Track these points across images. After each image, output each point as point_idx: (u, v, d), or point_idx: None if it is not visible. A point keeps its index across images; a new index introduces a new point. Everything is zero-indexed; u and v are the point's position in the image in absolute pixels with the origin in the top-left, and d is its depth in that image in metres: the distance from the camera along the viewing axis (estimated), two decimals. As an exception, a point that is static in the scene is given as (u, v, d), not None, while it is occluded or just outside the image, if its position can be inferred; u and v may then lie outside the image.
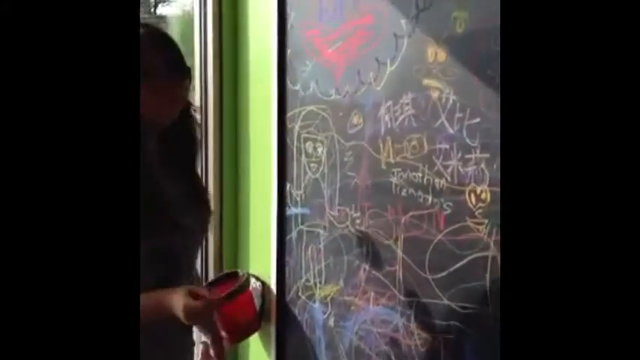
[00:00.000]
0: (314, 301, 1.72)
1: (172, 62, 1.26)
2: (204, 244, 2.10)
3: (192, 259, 1.43)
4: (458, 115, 1.27)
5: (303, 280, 1.75)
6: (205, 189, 1.45)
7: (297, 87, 1.73)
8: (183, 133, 1.36)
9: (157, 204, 1.23)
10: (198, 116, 1.43)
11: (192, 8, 2.16)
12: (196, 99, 2.11)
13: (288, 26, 1.76)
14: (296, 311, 1.79)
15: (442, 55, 1.31)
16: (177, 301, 1.18)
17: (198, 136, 1.43)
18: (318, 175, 1.68)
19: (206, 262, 2.11)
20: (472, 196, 1.25)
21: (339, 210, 1.62)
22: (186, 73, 1.29)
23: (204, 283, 2.06)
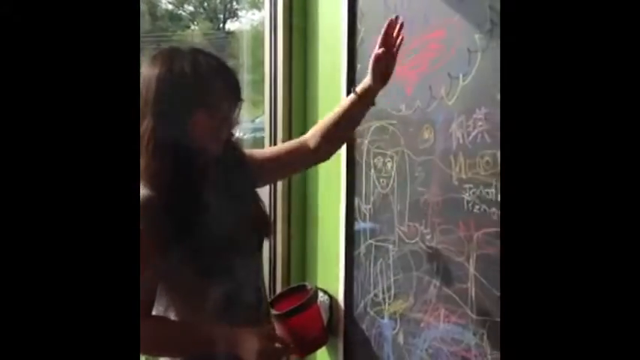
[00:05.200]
0: (382, 317, 1.70)
1: (230, 89, 1.26)
2: (272, 257, 2.12)
3: (255, 276, 1.42)
4: (534, 130, 1.24)
5: (372, 295, 1.74)
6: (264, 212, 1.43)
7: (367, 102, 1.72)
8: (234, 160, 1.34)
9: (213, 225, 1.23)
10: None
11: (261, 24, 2.19)
12: (266, 112, 2.14)
13: (358, 41, 1.76)
14: (364, 326, 1.78)
15: (517, 70, 1.28)
16: (252, 342, 1.19)
17: (248, 164, 1.40)
18: (387, 190, 1.67)
19: (274, 276, 2.12)
20: (549, 213, 1.22)
21: (408, 225, 1.60)
22: (240, 100, 1.29)
23: (270, 298, 2.09)
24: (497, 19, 1.32)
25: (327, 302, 1.89)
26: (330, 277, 1.93)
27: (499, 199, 1.32)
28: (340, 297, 1.85)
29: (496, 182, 1.33)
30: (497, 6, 1.32)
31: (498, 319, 1.34)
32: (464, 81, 1.42)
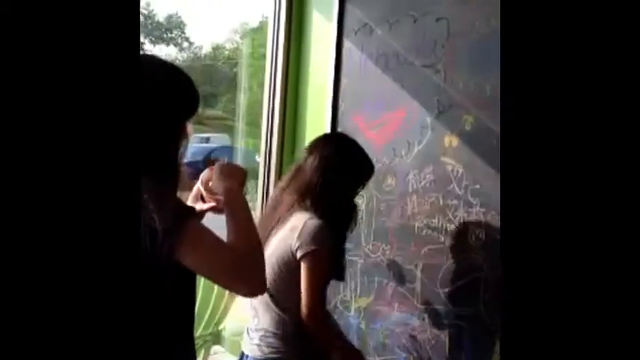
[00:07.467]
0: (349, 311, 2.34)
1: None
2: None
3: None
4: (465, 182, 1.95)
5: (341, 295, 2.38)
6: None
7: (345, 155, 2.39)
8: None
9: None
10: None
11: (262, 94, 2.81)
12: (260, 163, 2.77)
13: (340, 112, 2.45)
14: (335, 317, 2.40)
15: (455, 142, 1.99)
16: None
17: None
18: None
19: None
20: (472, 236, 1.92)
21: (373, 244, 2.27)
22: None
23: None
24: (442, 108, 2.04)
25: (304, 302, 2.51)
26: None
27: (440, 226, 2.01)
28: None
29: (438, 215, 2.02)
30: (444, 98, 2.03)
31: (437, 307, 2.01)
32: (418, 146, 2.11)
